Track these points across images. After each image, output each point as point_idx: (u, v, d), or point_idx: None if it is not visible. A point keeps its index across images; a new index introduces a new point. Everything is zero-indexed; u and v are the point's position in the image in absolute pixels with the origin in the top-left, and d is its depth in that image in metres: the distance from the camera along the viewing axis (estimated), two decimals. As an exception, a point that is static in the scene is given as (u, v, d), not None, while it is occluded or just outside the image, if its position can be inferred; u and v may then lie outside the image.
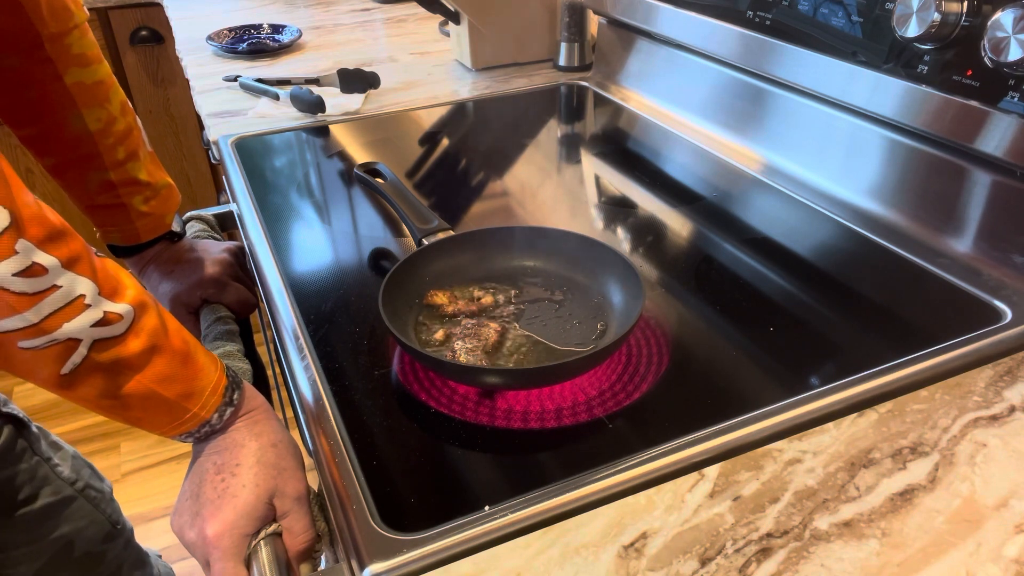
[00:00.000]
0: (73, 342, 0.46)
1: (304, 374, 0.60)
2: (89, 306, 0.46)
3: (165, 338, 0.51)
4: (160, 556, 1.03)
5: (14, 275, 0.42)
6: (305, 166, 0.98)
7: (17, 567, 0.78)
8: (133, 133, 0.76)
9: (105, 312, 0.47)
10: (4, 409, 0.77)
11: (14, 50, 0.67)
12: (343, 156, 1.01)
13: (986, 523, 0.46)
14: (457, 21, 1.27)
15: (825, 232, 0.78)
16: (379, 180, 0.85)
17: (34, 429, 0.81)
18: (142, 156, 0.77)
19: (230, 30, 1.52)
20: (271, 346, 0.92)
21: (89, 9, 1.83)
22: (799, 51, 0.83)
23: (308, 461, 0.57)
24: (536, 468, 0.52)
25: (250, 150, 1.02)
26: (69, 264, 0.45)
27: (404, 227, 0.78)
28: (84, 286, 0.46)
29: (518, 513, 0.47)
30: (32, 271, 0.43)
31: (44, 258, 0.44)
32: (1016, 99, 0.63)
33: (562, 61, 1.29)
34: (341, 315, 0.68)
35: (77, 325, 0.45)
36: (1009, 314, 0.63)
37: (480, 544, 0.46)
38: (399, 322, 0.62)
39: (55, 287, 0.44)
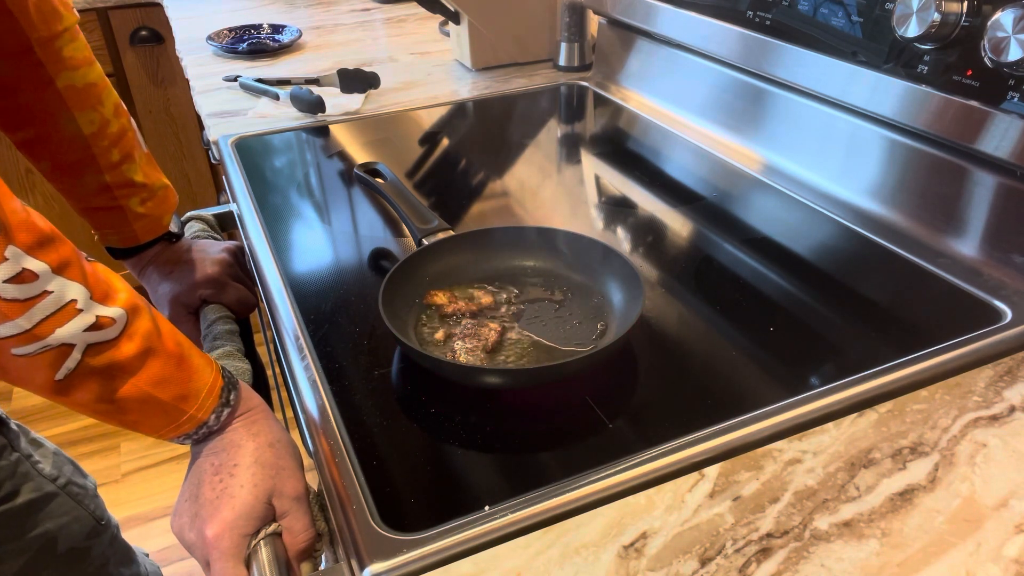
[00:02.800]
0: (66, 347, 0.45)
1: (304, 374, 0.60)
2: (81, 311, 0.46)
3: (159, 341, 0.50)
4: (148, 555, 1.03)
5: (5, 282, 0.42)
6: (305, 166, 0.98)
7: (0, 564, 0.78)
8: (128, 135, 0.76)
9: (97, 316, 0.47)
10: None
11: (4, 55, 0.67)
12: (343, 156, 1.01)
13: (986, 523, 0.46)
14: (457, 21, 1.27)
15: (825, 232, 0.78)
16: (379, 180, 0.85)
17: (13, 426, 0.80)
18: (137, 158, 0.77)
19: (230, 30, 1.52)
20: (271, 346, 0.92)
21: (89, 9, 1.83)
22: (799, 51, 0.83)
23: (308, 461, 0.57)
24: (536, 468, 0.52)
25: (250, 150, 1.02)
26: (59, 269, 0.45)
27: (404, 227, 0.78)
28: (75, 291, 0.46)
29: (518, 513, 0.47)
30: (22, 277, 0.43)
31: (34, 264, 0.44)
32: (1016, 99, 0.63)
33: (562, 61, 1.29)
34: (341, 315, 0.68)
35: (70, 330, 0.45)
36: (1009, 314, 0.63)
37: (480, 544, 0.46)
38: (399, 322, 0.62)
39: (46, 293, 0.44)
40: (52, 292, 0.45)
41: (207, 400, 0.53)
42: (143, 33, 1.91)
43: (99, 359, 0.47)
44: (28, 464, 0.80)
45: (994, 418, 0.53)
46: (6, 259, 0.42)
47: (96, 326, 0.46)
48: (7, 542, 0.78)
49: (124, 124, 0.76)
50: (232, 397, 0.55)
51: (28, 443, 0.82)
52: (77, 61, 0.71)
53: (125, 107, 0.77)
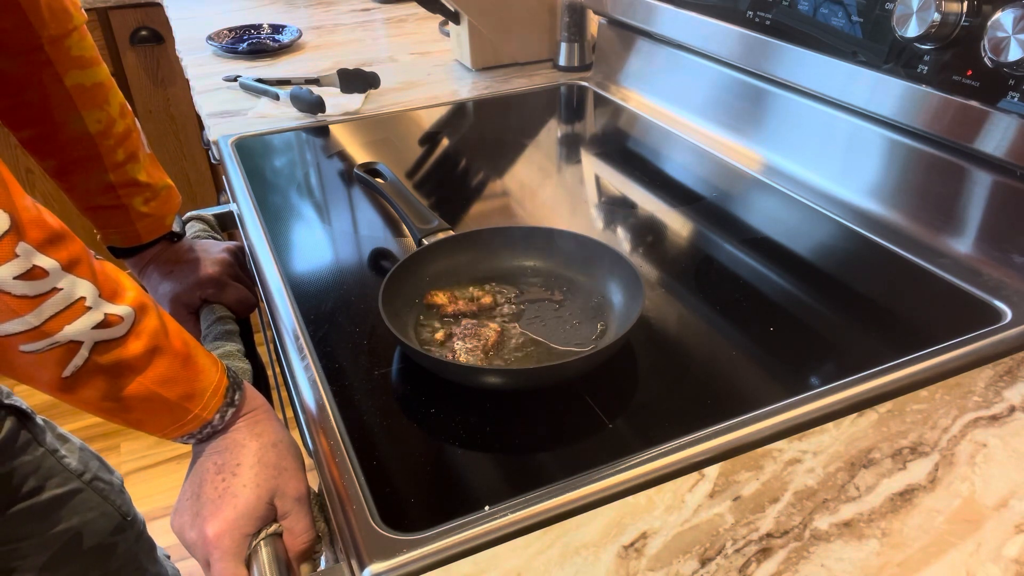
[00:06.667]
0: (74, 344, 0.46)
1: (304, 374, 0.60)
2: (90, 308, 0.46)
3: (166, 339, 0.51)
4: (168, 557, 1.03)
5: (15, 278, 0.42)
6: (305, 166, 0.98)
7: (24, 559, 0.78)
8: (132, 135, 0.76)
9: (106, 314, 0.47)
10: (7, 401, 0.77)
11: (14, 52, 0.67)
12: (343, 156, 1.01)
13: (986, 523, 0.46)
14: (457, 21, 1.27)
15: (825, 232, 0.78)
16: (379, 180, 0.85)
17: (39, 421, 0.81)
18: (141, 157, 0.77)
19: (230, 30, 1.52)
20: (271, 346, 0.92)
21: (89, 9, 1.83)
22: (799, 51, 0.83)
23: (308, 461, 0.58)
24: (536, 468, 0.52)
25: (250, 150, 1.02)
26: (69, 267, 0.45)
27: (404, 227, 0.78)
28: (84, 288, 0.46)
29: (518, 513, 0.47)
30: (32, 274, 0.43)
31: (44, 261, 0.44)
32: (1016, 99, 0.63)
33: (562, 61, 1.29)
34: (341, 315, 0.68)
35: (78, 327, 0.45)
36: (1009, 314, 0.63)
37: (480, 544, 0.46)
38: (399, 322, 0.62)
39: (56, 290, 0.44)
40: (62, 289, 0.45)
41: (212, 400, 0.53)
42: (143, 33, 1.91)
43: (107, 357, 0.47)
44: (54, 459, 0.80)
45: (994, 418, 0.53)
46: (16, 256, 0.43)
47: (104, 324, 0.46)
48: (31, 537, 0.78)
49: (129, 124, 0.76)
50: (237, 397, 0.55)
51: (54, 438, 0.82)
52: (86, 60, 0.71)
53: (130, 107, 0.77)
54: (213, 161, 1.26)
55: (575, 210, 0.87)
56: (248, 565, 0.51)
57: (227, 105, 1.18)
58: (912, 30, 0.67)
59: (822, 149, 0.85)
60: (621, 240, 0.80)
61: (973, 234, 0.70)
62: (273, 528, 0.52)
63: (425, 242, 0.72)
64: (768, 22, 0.87)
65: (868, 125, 0.79)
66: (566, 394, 0.57)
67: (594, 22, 1.27)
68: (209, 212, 0.95)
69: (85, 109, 0.71)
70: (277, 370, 0.80)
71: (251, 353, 0.73)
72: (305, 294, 0.71)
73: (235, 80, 1.26)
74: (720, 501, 0.48)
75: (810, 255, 0.75)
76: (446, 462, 0.53)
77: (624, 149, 1.01)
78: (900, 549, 0.45)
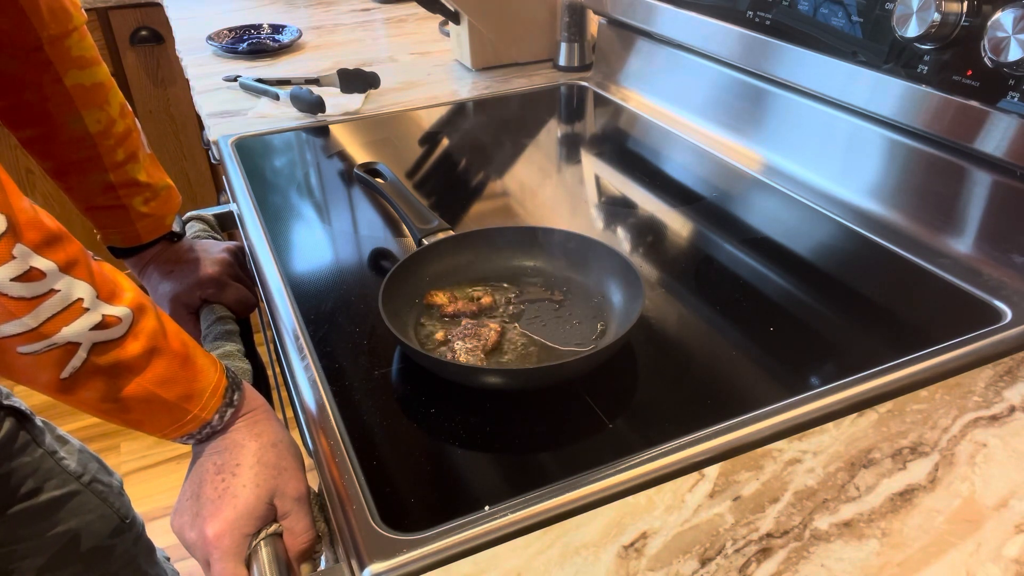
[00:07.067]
0: (72, 346, 0.45)
1: (304, 374, 0.60)
2: (87, 310, 0.46)
3: (164, 340, 0.51)
4: (168, 559, 1.03)
5: (12, 280, 0.42)
6: (305, 166, 0.98)
7: (22, 561, 0.78)
8: (132, 135, 0.76)
9: (104, 315, 0.47)
10: (6, 402, 0.77)
11: (14, 52, 0.67)
12: (343, 156, 1.01)
13: (986, 523, 0.46)
14: (457, 21, 1.27)
15: (825, 232, 0.78)
16: (379, 180, 0.85)
17: (38, 422, 0.80)
18: (141, 157, 0.77)
19: (230, 30, 1.53)
20: (271, 346, 0.92)
21: (89, 9, 1.83)
22: (799, 51, 0.83)
23: (308, 461, 0.58)
24: (536, 468, 0.52)
25: (250, 150, 1.02)
26: (67, 268, 0.45)
27: (404, 227, 0.78)
28: (82, 290, 0.46)
29: (518, 513, 0.47)
30: (30, 276, 0.43)
31: (41, 262, 0.44)
32: (1016, 99, 0.63)
33: (562, 61, 1.29)
34: (341, 315, 0.68)
35: (76, 329, 0.45)
36: (1009, 314, 0.63)
37: (480, 544, 0.46)
38: (399, 322, 0.62)
39: (53, 291, 0.44)
40: (59, 291, 0.45)
41: (211, 400, 0.53)
42: (143, 33, 1.92)
43: (105, 358, 0.47)
44: (52, 461, 0.80)
45: (994, 418, 0.53)
46: (14, 257, 0.42)
47: (102, 325, 0.46)
48: (30, 539, 0.78)
49: (129, 124, 0.76)
50: (236, 397, 0.55)
51: (54, 439, 0.82)
52: (86, 60, 0.71)
53: (130, 108, 0.77)
54: (213, 161, 1.26)
55: (575, 210, 0.87)
56: (248, 565, 0.51)
57: (227, 105, 1.18)
58: (912, 30, 0.67)
59: (822, 149, 0.85)
60: (621, 240, 0.80)
61: (973, 234, 0.70)
62: (273, 528, 0.52)
63: (425, 242, 0.72)
64: (768, 22, 0.87)
65: (868, 125, 0.79)
66: (566, 394, 0.57)
67: (594, 22, 1.27)
68: (209, 212, 0.95)
69: (85, 109, 0.71)
70: (277, 370, 0.80)
71: (251, 353, 0.73)
72: (305, 294, 0.71)
73: (235, 80, 1.26)
74: (720, 501, 0.48)
75: (810, 255, 0.75)
76: (446, 462, 0.53)
77: (624, 149, 1.01)
78: (900, 549, 0.45)
